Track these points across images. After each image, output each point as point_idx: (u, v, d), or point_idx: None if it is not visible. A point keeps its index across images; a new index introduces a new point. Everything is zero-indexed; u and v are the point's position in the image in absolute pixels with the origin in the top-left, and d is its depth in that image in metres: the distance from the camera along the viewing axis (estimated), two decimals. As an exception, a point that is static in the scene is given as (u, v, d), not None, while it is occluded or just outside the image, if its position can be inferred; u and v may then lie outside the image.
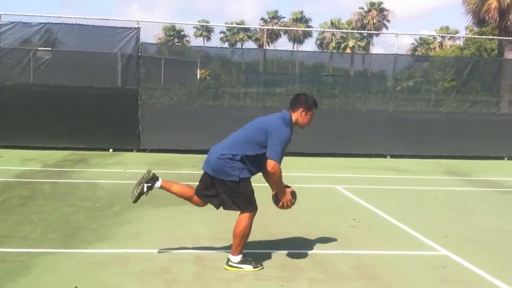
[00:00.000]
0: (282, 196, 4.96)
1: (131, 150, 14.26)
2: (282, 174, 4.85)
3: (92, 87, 13.96)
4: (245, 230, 4.85)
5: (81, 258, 5.09)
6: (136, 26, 14.26)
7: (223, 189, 4.90)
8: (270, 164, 4.72)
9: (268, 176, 4.91)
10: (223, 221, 6.73)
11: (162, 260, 5.09)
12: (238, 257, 4.88)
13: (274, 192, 5.04)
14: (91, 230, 6.13)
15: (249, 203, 4.88)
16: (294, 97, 5.11)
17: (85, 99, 13.84)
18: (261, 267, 4.94)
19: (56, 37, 14.61)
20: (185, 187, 5.19)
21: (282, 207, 5.03)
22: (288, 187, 5.06)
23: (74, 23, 14.35)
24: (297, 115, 4.95)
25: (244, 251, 4.96)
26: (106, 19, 14.50)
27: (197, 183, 5.15)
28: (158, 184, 5.08)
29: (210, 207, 6.99)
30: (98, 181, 9.60)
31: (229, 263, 4.88)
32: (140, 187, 5.01)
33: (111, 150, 14.21)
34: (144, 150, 14.34)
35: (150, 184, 5.04)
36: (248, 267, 4.86)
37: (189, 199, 5.15)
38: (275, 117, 4.92)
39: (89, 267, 4.83)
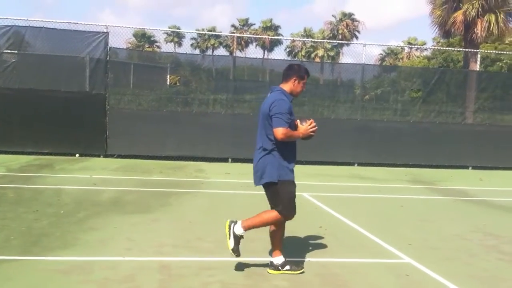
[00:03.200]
0: (303, 135, 4.98)
1: (98, 156, 14.09)
2: None
3: (58, 91, 13.76)
4: (268, 220, 4.96)
5: (43, 266, 5.00)
6: (105, 30, 14.13)
7: (269, 190, 4.99)
8: (277, 132, 4.79)
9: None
10: (188, 229, 6.74)
11: (126, 268, 5.04)
12: (241, 230, 4.92)
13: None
14: (55, 237, 6.03)
15: (280, 204, 4.92)
16: (287, 67, 5.22)
17: (51, 103, 13.64)
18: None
19: (23, 40, 14.34)
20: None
21: (314, 133, 5.03)
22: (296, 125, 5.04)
23: (42, 26, 14.13)
24: (291, 85, 5.08)
25: (212, 258, 4.95)
26: (74, 23, 14.33)
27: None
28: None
29: (174, 214, 6.97)
30: (63, 187, 9.45)
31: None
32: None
33: (77, 155, 14.01)
34: (111, 156, 14.18)
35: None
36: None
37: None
38: (270, 96, 5.03)
39: (52, 275, 4.75)
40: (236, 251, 4.94)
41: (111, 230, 6.47)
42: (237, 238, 4.93)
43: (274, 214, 4.94)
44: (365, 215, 8.33)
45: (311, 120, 5.05)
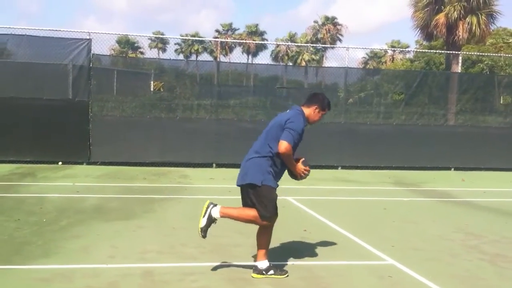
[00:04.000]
0: (296, 169, 5.15)
1: (82, 163, 14.01)
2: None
3: (41, 99, 13.67)
4: (246, 216, 5.00)
5: (25, 275, 4.97)
6: (88, 37, 14.08)
7: (250, 193, 5.00)
8: (282, 145, 4.88)
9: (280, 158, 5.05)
10: (171, 235, 6.73)
11: (109, 275, 5.01)
12: (218, 214, 4.96)
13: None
14: (37, 246, 5.98)
15: (265, 207, 4.94)
16: (312, 94, 5.42)
17: (34, 111, 13.54)
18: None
19: (5, 48, 14.26)
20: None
21: (301, 178, 5.24)
22: (298, 160, 5.20)
23: (24, 34, 14.05)
24: (311, 111, 5.23)
25: (195, 264, 4.94)
26: (56, 30, 14.30)
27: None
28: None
29: (158, 220, 6.95)
30: (46, 195, 9.38)
31: None
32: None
33: (60, 163, 13.92)
34: (95, 163, 14.11)
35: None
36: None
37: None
38: (289, 112, 5.16)
39: (33, 284, 4.72)
40: (204, 231, 4.97)
41: (94, 238, 6.44)
42: (210, 220, 4.97)
43: (253, 214, 4.97)
44: (349, 217, 8.38)
45: (309, 168, 5.24)
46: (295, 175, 5.24)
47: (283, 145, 4.87)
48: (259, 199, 4.94)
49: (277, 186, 5.07)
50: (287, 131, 4.92)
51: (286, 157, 4.95)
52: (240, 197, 5.21)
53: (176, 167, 14.13)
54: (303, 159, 5.23)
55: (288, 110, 5.24)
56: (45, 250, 5.80)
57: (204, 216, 4.96)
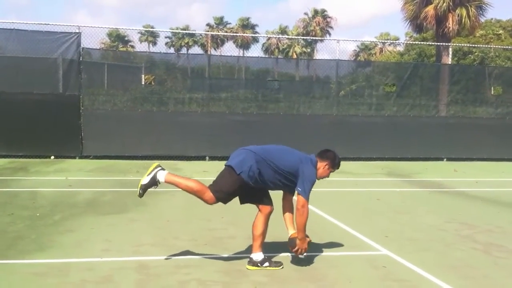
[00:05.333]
0: (302, 242, 5.09)
1: (74, 157, 13.96)
2: None
3: (31, 93, 13.58)
4: (191, 188, 4.91)
5: (19, 269, 4.94)
6: (77, 31, 13.98)
7: (223, 170, 5.05)
8: (301, 201, 4.92)
9: (294, 213, 5.11)
10: (165, 228, 6.73)
11: (104, 268, 5.00)
12: (163, 179, 4.89)
13: (293, 234, 5.17)
14: (31, 240, 5.95)
15: (219, 187, 4.92)
16: (325, 150, 5.41)
17: (24, 106, 13.45)
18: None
19: (-6, 42, 14.15)
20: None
21: (296, 252, 5.16)
22: (307, 236, 5.17)
23: (13, 28, 13.94)
24: (321, 165, 5.24)
25: (189, 257, 4.93)
26: (45, 23, 14.20)
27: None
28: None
29: (151, 213, 6.93)
30: (39, 189, 9.34)
31: None
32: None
33: (52, 157, 13.86)
34: (87, 157, 14.06)
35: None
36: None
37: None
38: (306, 155, 5.17)
39: (28, 278, 4.69)
40: (143, 190, 4.89)
41: (88, 232, 6.41)
42: (154, 181, 4.87)
43: (200, 187, 4.93)
44: (343, 209, 8.41)
45: (306, 250, 5.18)
46: (294, 244, 5.14)
47: (301, 202, 4.91)
48: (225, 180, 4.95)
49: (248, 182, 4.92)
50: (307, 184, 4.94)
51: (301, 212, 4.93)
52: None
53: (169, 160, 14.10)
54: (310, 240, 5.24)
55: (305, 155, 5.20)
56: (39, 244, 5.77)
57: (148, 175, 4.89)
